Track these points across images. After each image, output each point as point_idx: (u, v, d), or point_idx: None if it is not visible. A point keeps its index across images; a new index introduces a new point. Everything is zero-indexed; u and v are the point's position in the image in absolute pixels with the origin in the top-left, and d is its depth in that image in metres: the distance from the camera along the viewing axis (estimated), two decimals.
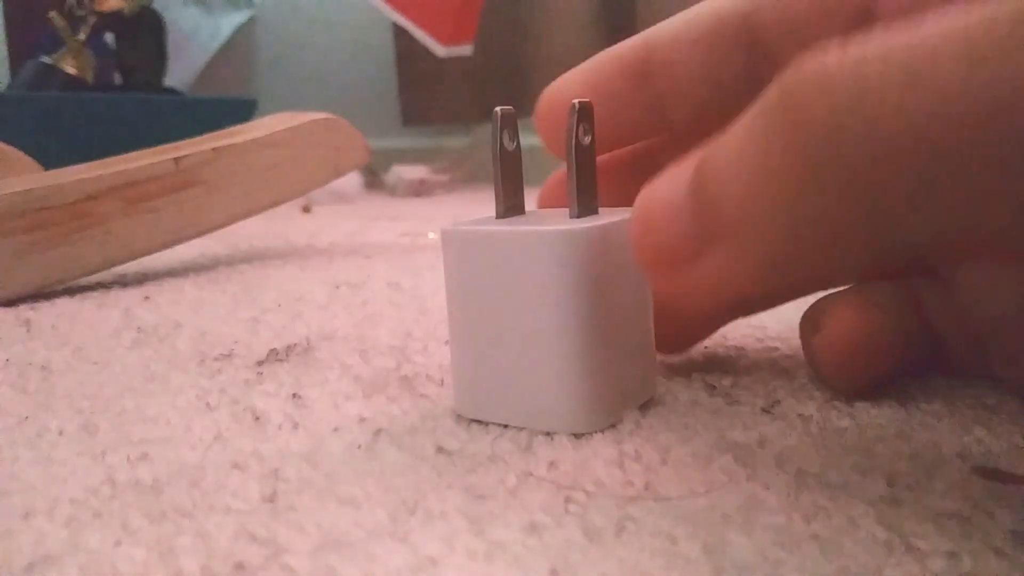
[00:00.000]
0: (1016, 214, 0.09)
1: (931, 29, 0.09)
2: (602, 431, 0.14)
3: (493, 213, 0.15)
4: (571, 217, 0.14)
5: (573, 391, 0.14)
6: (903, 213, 0.09)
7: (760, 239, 0.10)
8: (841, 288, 0.16)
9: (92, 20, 0.82)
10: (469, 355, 0.14)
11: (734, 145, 0.11)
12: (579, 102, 0.14)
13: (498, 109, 0.15)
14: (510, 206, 0.15)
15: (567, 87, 0.16)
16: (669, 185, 0.12)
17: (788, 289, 0.14)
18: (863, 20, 0.14)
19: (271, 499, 0.12)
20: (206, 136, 0.37)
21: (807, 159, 0.10)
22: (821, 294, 0.16)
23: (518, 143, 0.15)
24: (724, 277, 0.11)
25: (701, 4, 0.15)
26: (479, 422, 0.15)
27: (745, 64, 0.15)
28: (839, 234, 0.10)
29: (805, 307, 0.16)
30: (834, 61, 0.09)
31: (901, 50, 0.09)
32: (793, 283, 0.12)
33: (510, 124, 0.15)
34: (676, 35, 0.15)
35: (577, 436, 0.14)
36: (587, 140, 0.14)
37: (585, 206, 0.14)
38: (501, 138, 0.15)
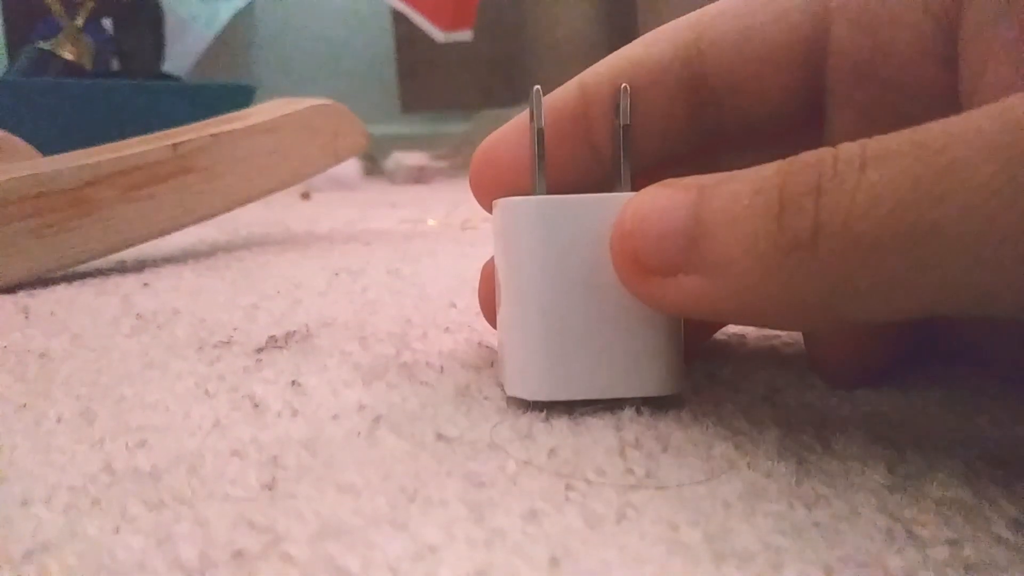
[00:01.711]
0: None
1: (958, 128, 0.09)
2: (602, 418, 0.14)
3: (518, 196, 0.14)
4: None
5: (665, 351, 0.14)
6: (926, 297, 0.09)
7: (748, 290, 0.11)
8: None
9: (90, 6, 0.81)
10: (540, 332, 0.14)
11: (743, 210, 0.11)
12: (625, 86, 0.14)
13: (536, 88, 0.14)
14: (548, 185, 0.14)
15: (505, 140, 0.15)
16: (670, 198, 0.12)
17: (759, 325, 0.14)
18: (810, 74, 0.14)
19: (270, 486, 0.12)
20: (205, 122, 0.37)
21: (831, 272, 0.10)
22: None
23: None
24: (697, 299, 0.12)
25: (635, 46, 0.15)
26: (480, 409, 0.15)
27: (688, 114, 0.14)
28: (841, 312, 0.10)
29: None
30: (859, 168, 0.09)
31: (929, 154, 0.09)
32: (767, 324, 0.12)
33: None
34: (613, 81, 0.14)
35: (658, 402, 0.14)
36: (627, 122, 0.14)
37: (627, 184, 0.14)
38: (539, 118, 0.14)
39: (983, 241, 0.09)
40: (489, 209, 0.16)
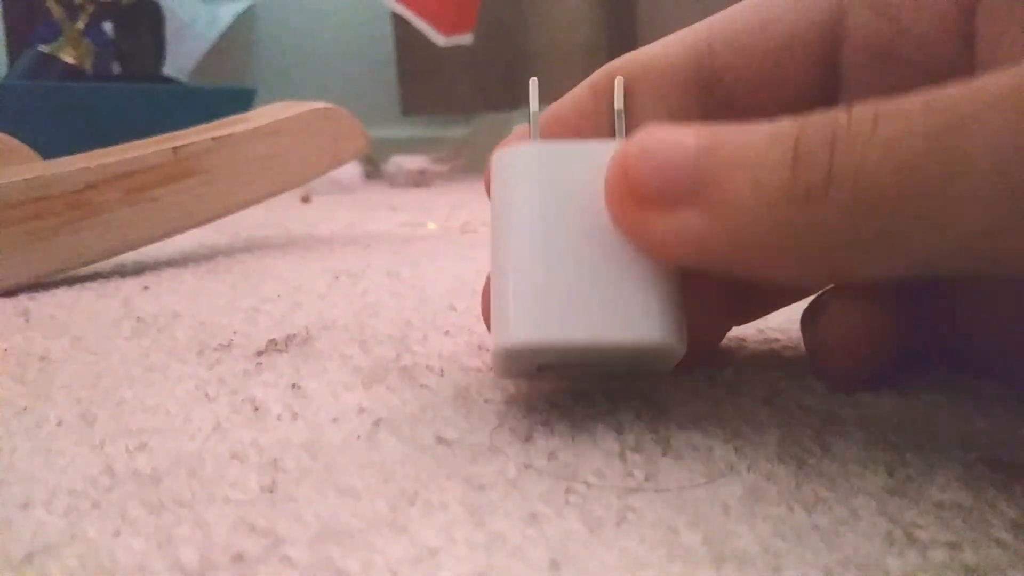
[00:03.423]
0: None
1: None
2: (602, 421, 0.14)
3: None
4: None
5: (660, 298, 0.13)
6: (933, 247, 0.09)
7: (750, 235, 0.11)
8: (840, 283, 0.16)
9: (90, 9, 0.81)
10: (530, 271, 0.13)
11: (758, 156, 0.11)
12: (620, 77, 0.14)
13: (532, 79, 0.15)
14: None
15: (559, 114, 0.16)
16: (681, 133, 0.12)
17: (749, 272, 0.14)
18: (826, 64, 0.14)
19: (270, 489, 0.12)
20: (206, 125, 0.37)
21: (852, 219, 0.10)
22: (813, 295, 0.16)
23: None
24: (692, 238, 0.11)
25: (647, 50, 0.15)
26: (480, 412, 0.15)
27: (701, 113, 0.15)
28: (840, 266, 0.10)
29: (807, 301, 0.16)
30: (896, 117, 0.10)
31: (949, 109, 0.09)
32: (759, 272, 0.12)
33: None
34: (629, 80, 0.15)
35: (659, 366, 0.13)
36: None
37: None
38: (534, 102, 0.15)
39: (992, 195, 0.09)
40: None
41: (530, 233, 0.13)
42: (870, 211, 0.10)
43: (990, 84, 0.09)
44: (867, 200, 0.10)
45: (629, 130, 0.15)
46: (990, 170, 0.09)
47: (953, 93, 0.09)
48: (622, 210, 0.12)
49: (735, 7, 0.15)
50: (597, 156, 0.13)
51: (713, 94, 0.14)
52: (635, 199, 0.12)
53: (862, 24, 0.13)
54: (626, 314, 0.13)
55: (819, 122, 0.10)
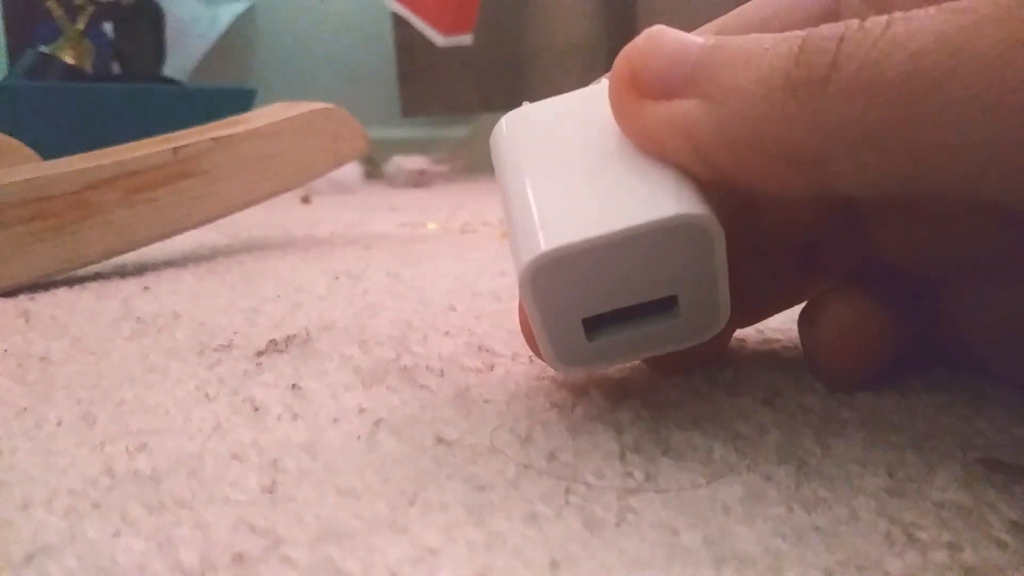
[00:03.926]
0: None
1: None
2: (602, 421, 0.14)
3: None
4: None
5: (672, 181, 0.12)
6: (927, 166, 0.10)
7: (746, 123, 0.11)
8: (838, 283, 0.16)
9: (90, 9, 0.81)
10: (551, 193, 0.13)
11: (762, 51, 0.11)
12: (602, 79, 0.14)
13: (524, 102, 0.15)
14: None
15: None
16: (688, 34, 0.12)
17: (739, 172, 0.13)
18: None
19: (270, 490, 0.12)
20: (205, 126, 0.37)
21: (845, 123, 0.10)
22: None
23: None
24: (686, 125, 0.11)
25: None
26: (479, 412, 0.15)
27: None
28: (829, 171, 0.10)
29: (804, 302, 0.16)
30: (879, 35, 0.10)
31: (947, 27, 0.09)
32: (748, 172, 0.11)
33: None
34: None
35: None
36: None
37: None
38: None
39: (993, 92, 0.09)
40: None
41: (536, 161, 0.13)
42: (868, 105, 0.10)
43: None
44: (866, 93, 0.10)
45: None
46: (991, 71, 0.09)
47: (969, 2, 0.09)
48: (621, 101, 0.12)
49: (746, 5, 0.15)
50: (592, 95, 0.13)
51: None
52: (636, 89, 0.12)
53: (856, 14, 0.14)
54: (644, 199, 0.12)
55: (829, 25, 0.10)
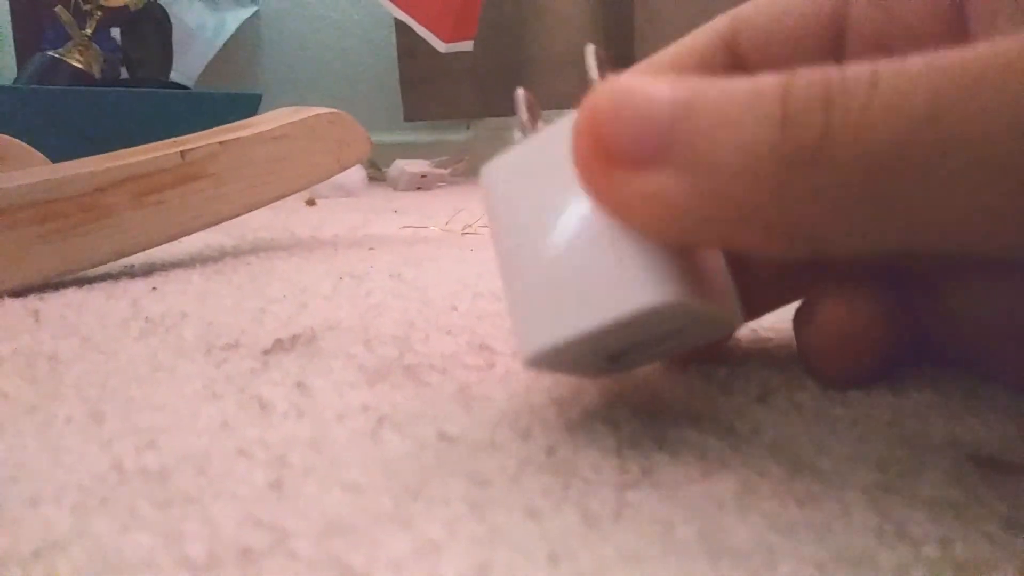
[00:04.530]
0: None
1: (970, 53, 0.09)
2: (600, 417, 0.14)
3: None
4: None
5: (667, 258, 0.11)
6: (917, 220, 0.09)
7: (732, 197, 0.10)
8: (834, 281, 0.16)
9: (98, 15, 0.82)
10: (533, 276, 0.12)
11: (741, 112, 0.10)
12: (591, 45, 0.13)
13: (519, 89, 0.14)
14: None
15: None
16: (652, 84, 0.10)
17: (728, 242, 0.12)
18: (834, 52, 0.14)
19: (276, 485, 0.12)
20: (212, 130, 0.37)
21: (836, 171, 0.09)
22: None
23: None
24: (668, 201, 0.10)
25: (680, 41, 0.15)
26: (481, 409, 0.15)
27: None
28: (827, 236, 0.10)
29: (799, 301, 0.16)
30: (867, 83, 0.09)
31: (940, 73, 0.09)
32: (737, 242, 0.11)
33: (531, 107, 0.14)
34: (661, 71, 0.15)
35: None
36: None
37: None
38: (522, 112, 0.14)
39: (1002, 157, 0.08)
40: None
41: (518, 235, 0.13)
42: (867, 176, 0.09)
43: (999, 48, 0.09)
44: (864, 164, 0.09)
45: None
46: (997, 140, 0.08)
47: (958, 55, 0.09)
48: (588, 170, 0.11)
49: (755, 2, 0.15)
50: (567, 136, 0.12)
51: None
52: (603, 157, 0.11)
53: (861, 14, 0.14)
54: (620, 283, 0.11)
55: (809, 78, 0.10)
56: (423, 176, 0.81)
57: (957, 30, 0.13)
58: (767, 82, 0.10)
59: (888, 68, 0.09)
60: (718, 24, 0.15)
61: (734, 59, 0.15)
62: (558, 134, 0.13)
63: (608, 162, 0.11)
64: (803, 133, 0.09)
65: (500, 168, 0.14)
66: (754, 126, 0.10)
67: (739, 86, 0.10)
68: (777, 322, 0.20)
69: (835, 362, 0.15)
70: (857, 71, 0.09)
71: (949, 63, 0.09)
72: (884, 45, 0.14)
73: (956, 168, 0.09)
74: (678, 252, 0.12)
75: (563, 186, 0.12)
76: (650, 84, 0.11)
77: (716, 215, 0.10)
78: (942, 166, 0.09)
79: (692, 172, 0.10)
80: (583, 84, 0.13)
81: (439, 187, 0.83)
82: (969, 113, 0.08)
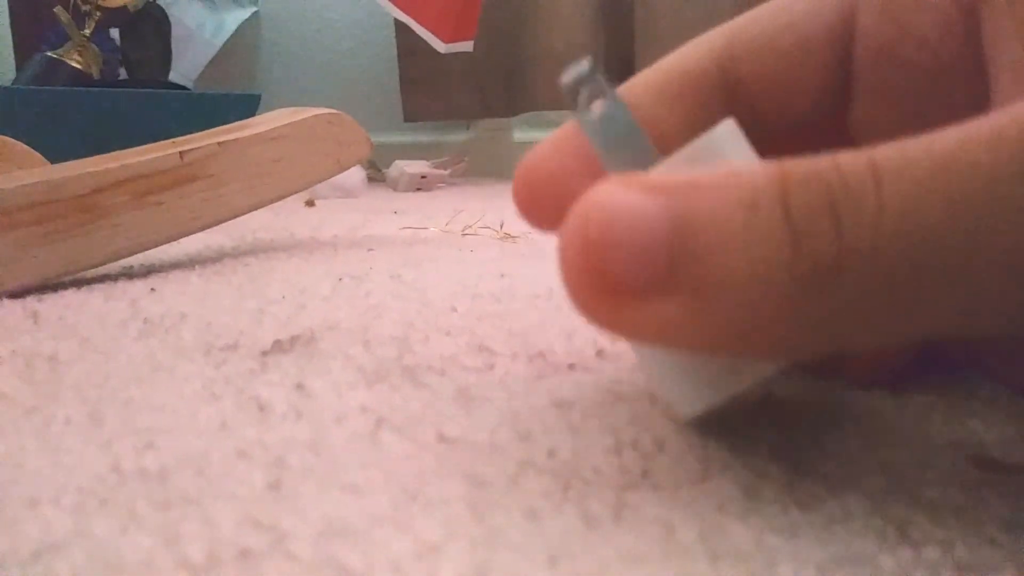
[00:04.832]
0: None
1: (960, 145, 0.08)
2: (599, 418, 0.14)
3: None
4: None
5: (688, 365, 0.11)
6: (941, 318, 0.09)
7: (749, 319, 0.09)
8: None
9: (97, 15, 0.82)
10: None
11: (744, 230, 0.09)
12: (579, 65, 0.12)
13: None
14: None
15: (542, 156, 0.15)
16: (639, 199, 0.10)
17: (749, 354, 0.11)
18: (840, 66, 0.14)
19: (275, 486, 0.12)
20: (211, 130, 0.37)
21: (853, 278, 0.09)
22: None
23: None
24: (681, 327, 0.10)
25: (670, 58, 0.15)
26: (480, 410, 0.15)
27: (726, 113, 0.14)
28: (853, 338, 0.09)
29: None
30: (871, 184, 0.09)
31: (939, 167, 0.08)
32: (759, 353, 0.10)
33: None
34: (656, 91, 0.14)
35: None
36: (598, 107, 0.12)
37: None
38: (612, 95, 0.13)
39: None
40: (537, 224, 0.15)
41: None
42: (887, 287, 0.09)
43: (998, 127, 0.08)
44: (884, 276, 0.09)
45: (666, 139, 0.14)
46: (1019, 239, 0.08)
47: (956, 143, 0.08)
48: (591, 297, 0.10)
49: (753, 12, 0.14)
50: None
51: (737, 98, 0.14)
52: (599, 287, 0.10)
53: (869, 26, 0.13)
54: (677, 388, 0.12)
55: (805, 180, 0.09)
56: (423, 177, 0.81)
57: (970, 42, 0.13)
58: (759, 185, 0.09)
59: (889, 164, 0.09)
60: (713, 41, 0.14)
61: (730, 80, 0.14)
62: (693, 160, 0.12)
63: (605, 292, 0.10)
64: (816, 250, 0.09)
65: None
66: (761, 246, 0.09)
67: (731, 192, 0.09)
68: None
69: (868, 370, 0.15)
70: (855, 169, 0.09)
71: (950, 151, 0.08)
72: (895, 57, 0.13)
73: (979, 270, 0.08)
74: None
75: None
76: (638, 198, 0.10)
77: (731, 336, 0.10)
78: (966, 264, 0.08)
79: (699, 299, 0.09)
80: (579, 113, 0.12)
81: (439, 188, 0.83)
82: (992, 210, 0.08)
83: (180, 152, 0.33)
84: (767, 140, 0.15)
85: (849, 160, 0.09)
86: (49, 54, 0.79)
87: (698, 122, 0.14)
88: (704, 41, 0.15)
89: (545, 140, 0.15)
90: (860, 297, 0.09)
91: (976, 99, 0.12)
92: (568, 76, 0.12)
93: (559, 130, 0.15)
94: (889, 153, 0.09)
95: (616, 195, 0.10)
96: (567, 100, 0.12)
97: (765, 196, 0.09)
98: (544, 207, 0.14)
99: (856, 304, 0.09)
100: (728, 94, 0.14)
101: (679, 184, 0.10)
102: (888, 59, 0.13)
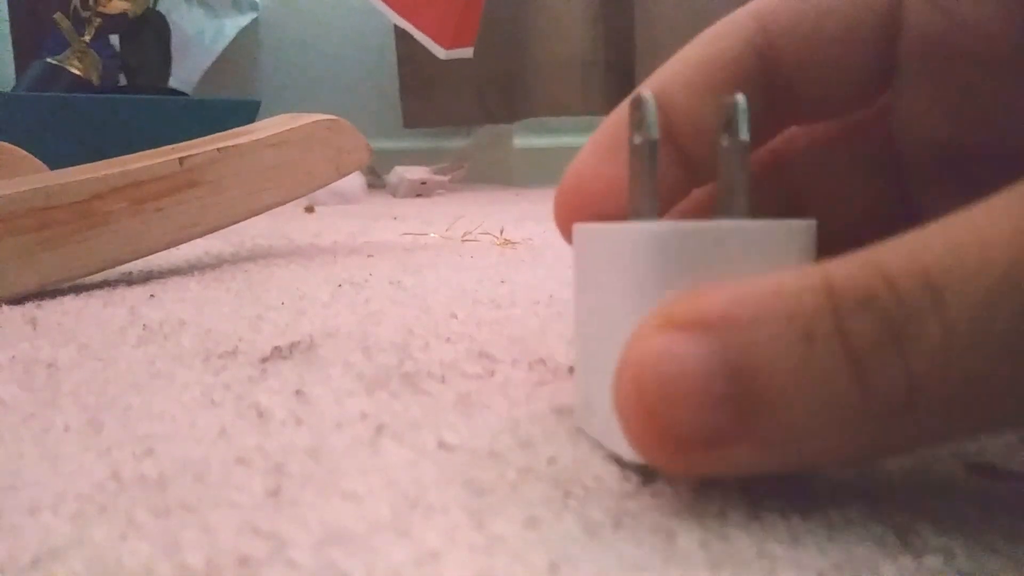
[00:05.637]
0: None
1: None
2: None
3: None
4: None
5: None
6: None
7: (823, 455, 0.10)
8: None
9: (97, 22, 0.82)
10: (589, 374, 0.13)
11: (807, 372, 0.09)
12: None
13: (647, 94, 0.12)
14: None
15: (586, 170, 0.14)
16: (684, 347, 0.10)
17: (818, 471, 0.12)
18: (886, 54, 0.13)
19: (275, 494, 0.12)
20: (211, 137, 0.37)
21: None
22: None
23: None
24: (754, 467, 0.10)
25: (697, 48, 0.14)
26: (480, 417, 0.15)
27: (762, 104, 0.14)
28: (929, 443, 0.10)
29: None
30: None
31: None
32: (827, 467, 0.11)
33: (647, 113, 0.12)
34: (688, 84, 0.14)
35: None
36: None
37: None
38: (651, 127, 0.12)
39: None
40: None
41: (579, 326, 0.13)
42: (961, 403, 0.09)
43: None
44: (956, 393, 0.09)
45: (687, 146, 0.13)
46: None
47: (1012, 228, 0.08)
48: (649, 449, 0.10)
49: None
50: (726, 240, 0.11)
51: (775, 86, 0.14)
52: (665, 440, 0.10)
53: (917, 16, 0.13)
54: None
55: (859, 305, 0.09)
56: (423, 183, 0.81)
57: None
58: (811, 315, 0.09)
59: (947, 279, 0.08)
60: (744, 28, 0.14)
61: (769, 67, 0.14)
62: (719, 238, 0.11)
63: (671, 445, 0.10)
64: (886, 381, 0.09)
65: (647, 241, 0.12)
66: (826, 386, 0.09)
67: (783, 327, 0.09)
68: None
69: None
70: (910, 287, 0.09)
71: (1017, 260, 0.08)
72: (944, 47, 0.13)
73: None
74: None
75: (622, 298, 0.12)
76: (686, 348, 0.10)
77: (801, 465, 0.10)
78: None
79: (770, 443, 0.10)
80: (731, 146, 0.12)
81: (439, 194, 0.83)
82: None
83: (179, 158, 0.33)
84: (806, 117, 0.14)
85: (901, 274, 0.09)
86: (49, 60, 0.79)
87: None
88: (730, 27, 0.14)
89: (587, 154, 0.14)
90: (932, 416, 0.09)
91: None
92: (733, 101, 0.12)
93: (603, 138, 0.14)
94: (943, 262, 0.09)
95: (662, 345, 0.10)
96: (719, 124, 0.12)
97: (820, 325, 0.09)
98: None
99: (936, 424, 0.09)
100: (766, 81, 0.14)
101: (722, 318, 0.10)
102: (939, 51, 0.13)
